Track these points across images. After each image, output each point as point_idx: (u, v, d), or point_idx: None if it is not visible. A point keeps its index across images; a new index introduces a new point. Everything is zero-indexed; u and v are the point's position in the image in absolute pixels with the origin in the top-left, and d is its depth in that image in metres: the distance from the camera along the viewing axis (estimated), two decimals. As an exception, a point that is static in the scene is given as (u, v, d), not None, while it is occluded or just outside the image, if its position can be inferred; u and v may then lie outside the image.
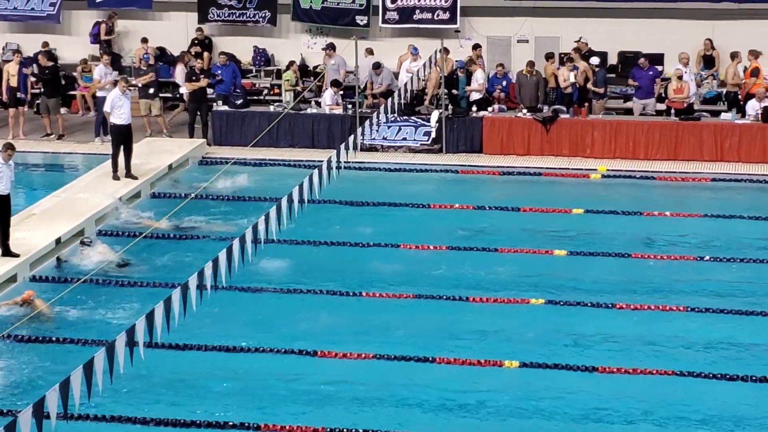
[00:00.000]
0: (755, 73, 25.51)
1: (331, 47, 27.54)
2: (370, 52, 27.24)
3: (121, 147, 22.57)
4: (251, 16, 28.97)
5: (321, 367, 15.17)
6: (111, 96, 22.79)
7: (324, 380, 14.75)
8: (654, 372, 14.83)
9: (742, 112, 25.17)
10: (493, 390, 14.48)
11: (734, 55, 25.82)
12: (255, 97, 28.02)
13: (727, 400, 14.20)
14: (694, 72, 26.13)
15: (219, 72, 26.86)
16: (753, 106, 24.95)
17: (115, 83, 23.98)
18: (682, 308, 16.88)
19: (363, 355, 15.41)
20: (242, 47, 29.00)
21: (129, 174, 22.65)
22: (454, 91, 26.17)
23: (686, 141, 24.81)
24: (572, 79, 25.84)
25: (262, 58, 29.06)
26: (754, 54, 25.75)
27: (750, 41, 26.25)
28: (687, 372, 14.81)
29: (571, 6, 27.45)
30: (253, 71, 29.14)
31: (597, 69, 26.01)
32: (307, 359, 15.36)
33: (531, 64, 26.15)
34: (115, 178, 22.55)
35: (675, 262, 18.90)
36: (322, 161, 18.30)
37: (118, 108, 22.46)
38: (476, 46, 27.19)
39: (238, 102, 26.47)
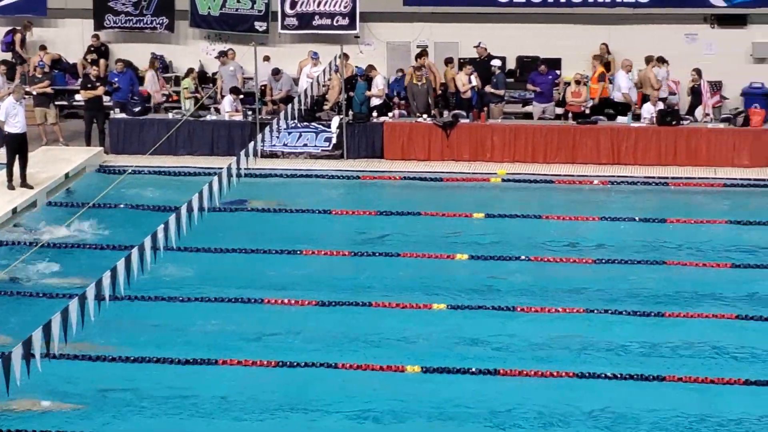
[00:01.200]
0: (602, 78, 25.97)
1: (226, 54, 27.34)
2: (266, 59, 27.09)
3: (16, 156, 22.17)
4: (148, 22, 28.65)
5: (223, 375, 15.02)
6: (5, 104, 22.35)
7: (226, 388, 14.62)
8: (555, 374, 14.94)
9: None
10: (396, 394, 14.47)
11: (649, 59, 26.16)
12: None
13: (627, 400, 14.35)
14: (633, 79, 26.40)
15: (116, 79, 26.53)
16: (648, 110, 25.33)
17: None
18: (581, 310, 17.02)
19: (266, 363, 15.30)
20: (140, 54, 28.66)
21: (24, 183, 22.24)
22: (351, 93, 26.16)
23: (584, 144, 25.10)
24: (473, 83, 26.00)
25: (160, 64, 28.76)
26: (599, 59, 26.19)
27: (645, 45, 26.67)
28: (588, 373, 14.95)
29: (469, 11, 27.59)
30: (151, 78, 28.83)
31: (497, 72, 26.23)
32: (209, 368, 15.19)
33: (418, 68, 26.22)
34: (10, 187, 22.12)
35: (573, 264, 19.06)
36: (221, 168, 18.18)
37: (13, 117, 22.05)
38: (422, 54, 26.84)
39: (136, 109, 26.17)
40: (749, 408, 14.10)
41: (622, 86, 25.90)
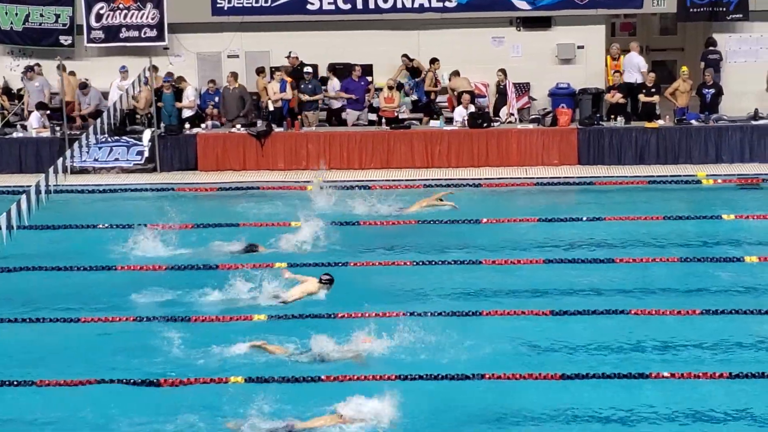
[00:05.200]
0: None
1: (32, 69, 26.66)
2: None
3: None
4: (-52, 39, 27.77)
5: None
6: None
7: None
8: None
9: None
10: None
11: (434, 61, 26.57)
12: (-43, 123, 26.90)
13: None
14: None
15: None
16: (460, 113, 25.72)
17: None
18: (399, 313, 16.94)
19: (82, 381, 14.90)
20: (-60, 71, 27.80)
21: None
22: (159, 104, 25.86)
23: (398, 149, 25.36)
24: (286, 93, 26.02)
25: (-19, 82, 27.91)
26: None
27: (454, 49, 27.12)
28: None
29: (279, 20, 27.54)
30: (-48, 96, 27.96)
31: (310, 78, 26.28)
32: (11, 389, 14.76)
33: (234, 75, 26.13)
34: None
35: (395, 267, 19.06)
36: (30, 186, 17.72)
37: None
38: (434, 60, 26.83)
39: (-60, 128, 25.38)
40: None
41: (641, 66, 26.56)
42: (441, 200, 22.13)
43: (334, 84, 26.78)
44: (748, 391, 14.45)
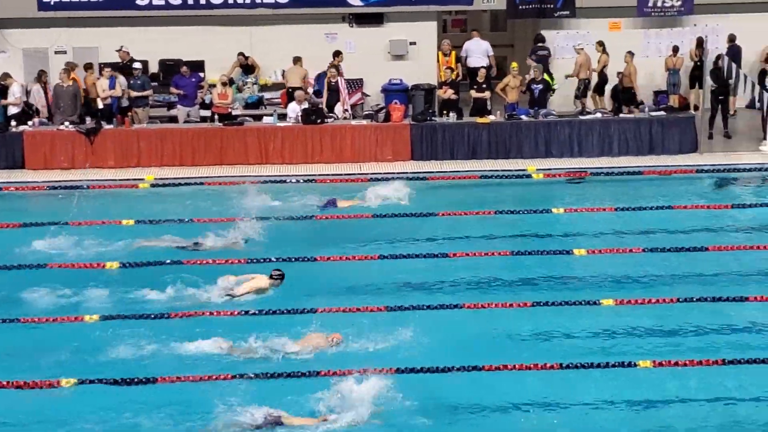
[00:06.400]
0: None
1: None
2: None
3: None
4: None
5: None
6: None
7: None
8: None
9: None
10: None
11: (337, 53, 26.66)
12: None
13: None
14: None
15: None
16: (294, 109, 25.69)
17: None
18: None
19: None
20: None
21: None
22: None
23: (231, 146, 25.19)
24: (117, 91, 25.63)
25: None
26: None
27: (287, 45, 27.09)
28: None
29: (108, 15, 27.14)
30: None
31: (138, 74, 25.93)
32: None
33: (67, 72, 25.64)
34: None
35: (219, 266, 18.90)
36: None
37: None
38: (337, 53, 26.62)
39: None
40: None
41: (489, 50, 27.23)
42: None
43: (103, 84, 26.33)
44: (598, 382, 14.88)
